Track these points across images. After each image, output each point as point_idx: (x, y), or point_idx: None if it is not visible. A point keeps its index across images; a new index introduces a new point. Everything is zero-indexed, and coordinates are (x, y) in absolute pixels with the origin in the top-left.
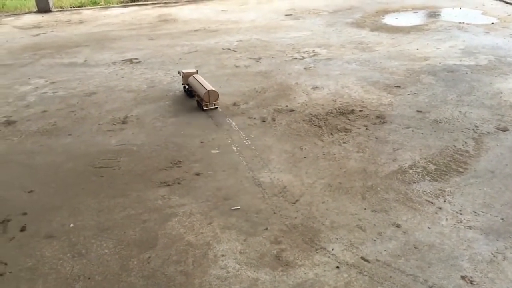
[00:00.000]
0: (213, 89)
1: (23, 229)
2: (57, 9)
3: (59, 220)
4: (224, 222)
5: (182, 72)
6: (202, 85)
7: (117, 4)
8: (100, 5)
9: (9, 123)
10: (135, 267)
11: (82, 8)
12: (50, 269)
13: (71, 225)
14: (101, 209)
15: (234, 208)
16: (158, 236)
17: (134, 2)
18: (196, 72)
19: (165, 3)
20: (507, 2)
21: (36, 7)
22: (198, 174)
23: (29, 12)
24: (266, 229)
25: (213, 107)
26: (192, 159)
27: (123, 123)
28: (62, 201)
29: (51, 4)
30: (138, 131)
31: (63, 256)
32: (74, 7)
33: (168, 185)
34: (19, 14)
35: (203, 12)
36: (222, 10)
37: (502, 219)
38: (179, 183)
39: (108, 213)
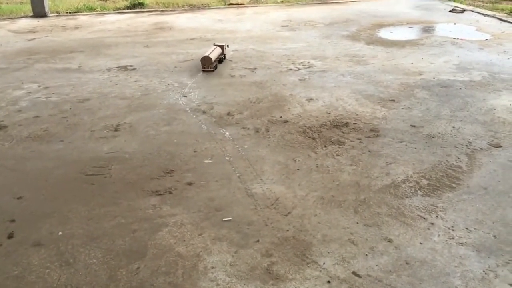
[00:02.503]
0: (209, 56)
1: (10, 236)
2: (53, 14)
3: (48, 228)
4: (215, 233)
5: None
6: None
7: (113, 10)
8: (96, 11)
9: (0, 127)
10: (123, 278)
11: (78, 13)
12: (37, 278)
13: (60, 233)
14: (91, 217)
15: (225, 219)
16: (148, 246)
17: (130, 9)
18: (224, 46)
19: (162, 11)
20: (501, 19)
21: (32, 11)
22: (190, 184)
23: (25, 16)
24: (258, 241)
25: (210, 69)
26: (184, 168)
27: (116, 130)
28: (51, 208)
29: (47, 9)
30: (131, 139)
31: (51, 264)
32: (70, 13)
33: (160, 194)
34: (14, 18)
35: (200, 21)
36: (218, 20)
37: (494, 236)
38: (170, 193)
39: (98, 222)
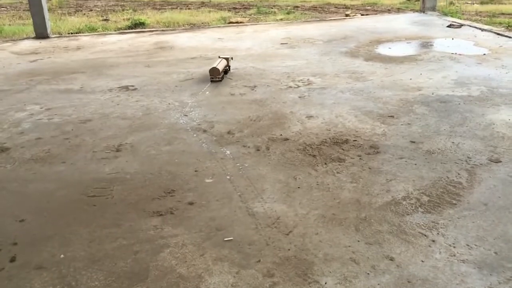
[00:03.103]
0: (216, 67)
1: (12, 260)
2: (55, 35)
3: (50, 251)
4: (216, 254)
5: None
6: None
7: (115, 31)
8: (98, 31)
9: (2, 150)
10: None
11: (79, 34)
12: None
13: (62, 255)
14: (93, 239)
15: (227, 239)
16: (150, 268)
17: (131, 29)
18: (229, 58)
19: (163, 30)
20: (498, 34)
21: (34, 33)
22: (191, 204)
23: (27, 38)
24: (259, 261)
25: (217, 79)
26: (185, 188)
27: (118, 150)
28: (53, 230)
29: (49, 30)
30: (132, 159)
31: None
32: (72, 33)
33: (161, 214)
34: (17, 40)
35: (200, 40)
36: (219, 38)
37: (495, 252)
38: (172, 213)
39: (100, 244)
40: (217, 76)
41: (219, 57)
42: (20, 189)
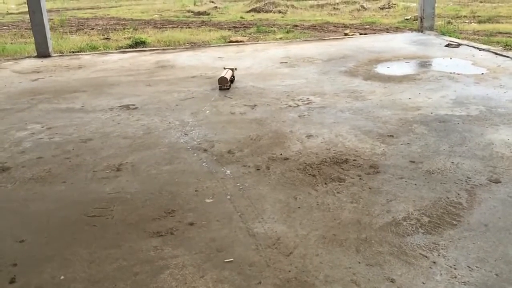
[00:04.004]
0: (224, 76)
1: (12, 281)
2: (57, 54)
3: (50, 272)
4: (217, 275)
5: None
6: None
7: (116, 49)
8: (99, 50)
9: (3, 169)
10: None
11: (81, 53)
12: None
13: (62, 277)
14: (93, 260)
15: (227, 260)
16: None
17: (133, 48)
18: (233, 69)
19: (163, 49)
20: (496, 53)
21: (36, 51)
22: (191, 224)
23: (29, 57)
24: (260, 283)
25: (225, 88)
26: (186, 208)
27: (118, 170)
28: (53, 251)
29: (50, 49)
30: (133, 179)
31: None
32: (73, 52)
33: (161, 235)
34: (18, 59)
35: (200, 59)
36: (219, 57)
37: (496, 274)
38: (172, 233)
39: (100, 265)
40: (225, 85)
41: (224, 68)
42: (20, 209)
